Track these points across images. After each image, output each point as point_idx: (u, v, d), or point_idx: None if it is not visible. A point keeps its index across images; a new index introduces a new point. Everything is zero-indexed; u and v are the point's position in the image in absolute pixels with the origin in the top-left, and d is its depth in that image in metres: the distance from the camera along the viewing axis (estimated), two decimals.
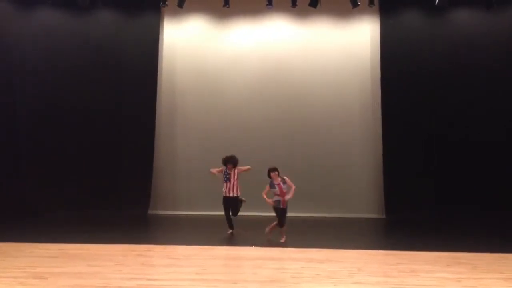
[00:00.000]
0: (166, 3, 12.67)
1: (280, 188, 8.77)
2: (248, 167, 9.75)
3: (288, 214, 8.95)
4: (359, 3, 12.17)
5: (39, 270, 6.03)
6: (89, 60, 13.39)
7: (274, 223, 8.81)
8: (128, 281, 5.53)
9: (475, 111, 12.82)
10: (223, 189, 9.65)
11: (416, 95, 13.06)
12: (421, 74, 13.08)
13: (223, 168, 9.68)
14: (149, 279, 5.72)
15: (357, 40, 13.85)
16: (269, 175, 8.94)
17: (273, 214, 8.89)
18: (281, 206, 8.75)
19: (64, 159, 13.06)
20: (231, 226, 9.59)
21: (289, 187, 8.82)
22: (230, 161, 9.62)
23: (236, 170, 9.64)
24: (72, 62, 13.34)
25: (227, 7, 12.79)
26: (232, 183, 9.57)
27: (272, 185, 8.84)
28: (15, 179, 12.84)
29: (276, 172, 8.94)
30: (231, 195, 9.57)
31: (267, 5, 12.43)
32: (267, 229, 8.87)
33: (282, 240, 8.60)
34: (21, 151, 13.16)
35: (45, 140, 13.16)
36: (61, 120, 13.23)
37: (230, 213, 9.61)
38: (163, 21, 14.04)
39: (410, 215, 12.37)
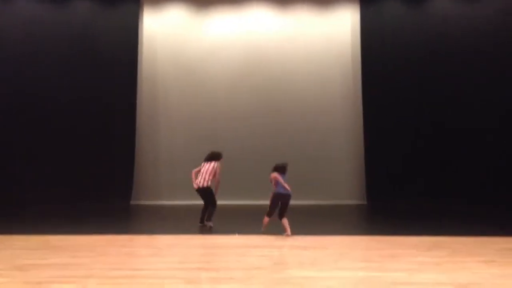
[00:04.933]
0: None
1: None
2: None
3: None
4: None
5: (21, 262, 5.97)
6: (67, 50, 13.29)
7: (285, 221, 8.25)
8: (112, 272, 5.51)
9: (457, 98, 12.98)
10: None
11: (397, 82, 13.21)
12: (401, 61, 13.22)
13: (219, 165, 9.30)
14: (132, 269, 5.70)
15: (338, 28, 13.93)
16: (285, 171, 8.46)
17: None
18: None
19: (44, 151, 12.96)
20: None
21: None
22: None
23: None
24: (50, 51, 13.23)
25: None
26: None
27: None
28: None
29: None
30: None
31: None
32: (286, 233, 8.20)
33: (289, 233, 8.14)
34: (1, 143, 13.00)
35: (24, 132, 13.02)
36: (40, 112, 13.11)
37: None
38: (142, 10, 13.97)
39: (391, 201, 12.54)
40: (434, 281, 5.14)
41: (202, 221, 9.16)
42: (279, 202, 8.27)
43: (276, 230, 8.25)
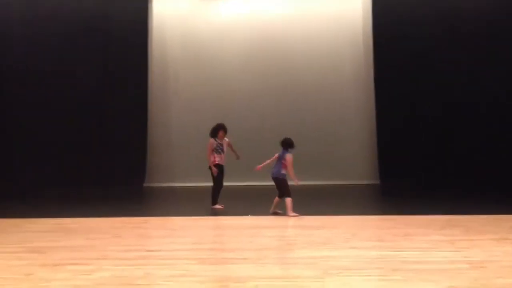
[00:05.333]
0: None
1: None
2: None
3: None
4: None
5: (36, 244, 6.05)
6: (78, 33, 13.28)
7: (287, 200, 8.18)
8: (127, 253, 5.56)
9: (470, 76, 12.80)
10: (220, 159, 9.10)
11: (409, 60, 13.05)
12: (414, 40, 13.04)
13: (213, 141, 9.10)
14: (147, 250, 5.76)
15: (349, 7, 13.77)
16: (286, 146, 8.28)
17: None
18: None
19: (58, 134, 13.08)
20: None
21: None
22: (224, 128, 9.20)
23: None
24: (61, 33, 13.25)
25: None
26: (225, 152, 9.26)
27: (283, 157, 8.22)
28: (7, 155, 12.84)
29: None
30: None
31: None
32: (291, 213, 8.10)
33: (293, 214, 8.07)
34: (13, 126, 13.11)
35: (37, 114, 13.12)
36: (51, 95, 13.17)
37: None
38: None
39: (404, 180, 12.48)
40: (448, 259, 5.12)
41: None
42: None
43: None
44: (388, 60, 13.12)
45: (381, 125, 13.22)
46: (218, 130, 9.16)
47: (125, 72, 13.36)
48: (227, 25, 13.81)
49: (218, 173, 9.09)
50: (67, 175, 12.79)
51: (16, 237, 6.55)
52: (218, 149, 9.11)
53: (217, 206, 9.02)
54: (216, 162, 9.06)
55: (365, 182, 13.21)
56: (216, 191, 9.13)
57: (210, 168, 9.08)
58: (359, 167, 13.51)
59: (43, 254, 5.54)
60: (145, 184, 13.35)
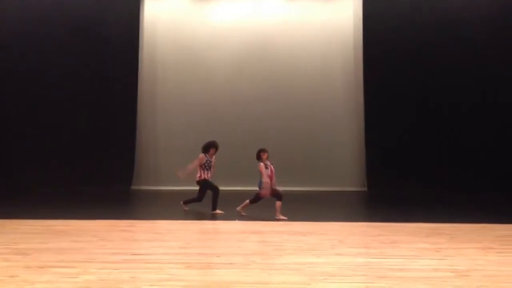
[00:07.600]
0: None
1: (272, 171, 8.37)
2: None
3: None
4: None
5: (23, 246, 6.01)
6: (68, 33, 13.18)
7: (247, 201, 8.63)
8: (113, 256, 5.55)
9: (460, 83, 12.89)
10: (208, 176, 9.14)
11: (399, 69, 13.12)
12: (404, 47, 13.11)
13: (203, 156, 9.13)
14: (133, 254, 5.75)
15: (341, 14, 13.84)
16: (259, 157, 8.41)
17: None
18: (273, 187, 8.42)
19: (46, 136, 12.96)
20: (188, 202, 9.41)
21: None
22: (215, 146, 9.22)
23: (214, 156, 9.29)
24: (52, 34, 13.14)
25: None
26: (213, 170, 9.26)
27: (265, 166, 8.35)
28: None
29: (267, 154, 8.40)
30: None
31: None
32: (239, 208, 8.70)
33: (283, 217, 8.29)
34: (3, 129, 13.01)
35: (26, 117, 13.02)
36: (40, 95, 13.08)
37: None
38: None
39: (391, 188, 12.53)
40: (433, 267, 5.18)
41: (213, 209, 9.03)
42: None
43: (274, 216, 8.30)
44: (378, 67, 13.16)
45: (370, 132, 13.28)
46: (209, 147, 9.17)
47: (115, 75, 13.29)
48: (218, 29, 13.80)
49: (204, 187, 9.11)
50: (54, 176, 12.67)
51: (2, 238, 6.50)
52: (206, 166, 9.12)
53: (218, 211, 8.96)
54: (203, 178, 9.10)
55: (352, 189, 13.24)
56: (215, 197, 9.05)
57: (197, 183, 9.14)
58: (347, 174, 13.54)
59: (29, 256, 5.51)
60: (132, 187, 13.29)
